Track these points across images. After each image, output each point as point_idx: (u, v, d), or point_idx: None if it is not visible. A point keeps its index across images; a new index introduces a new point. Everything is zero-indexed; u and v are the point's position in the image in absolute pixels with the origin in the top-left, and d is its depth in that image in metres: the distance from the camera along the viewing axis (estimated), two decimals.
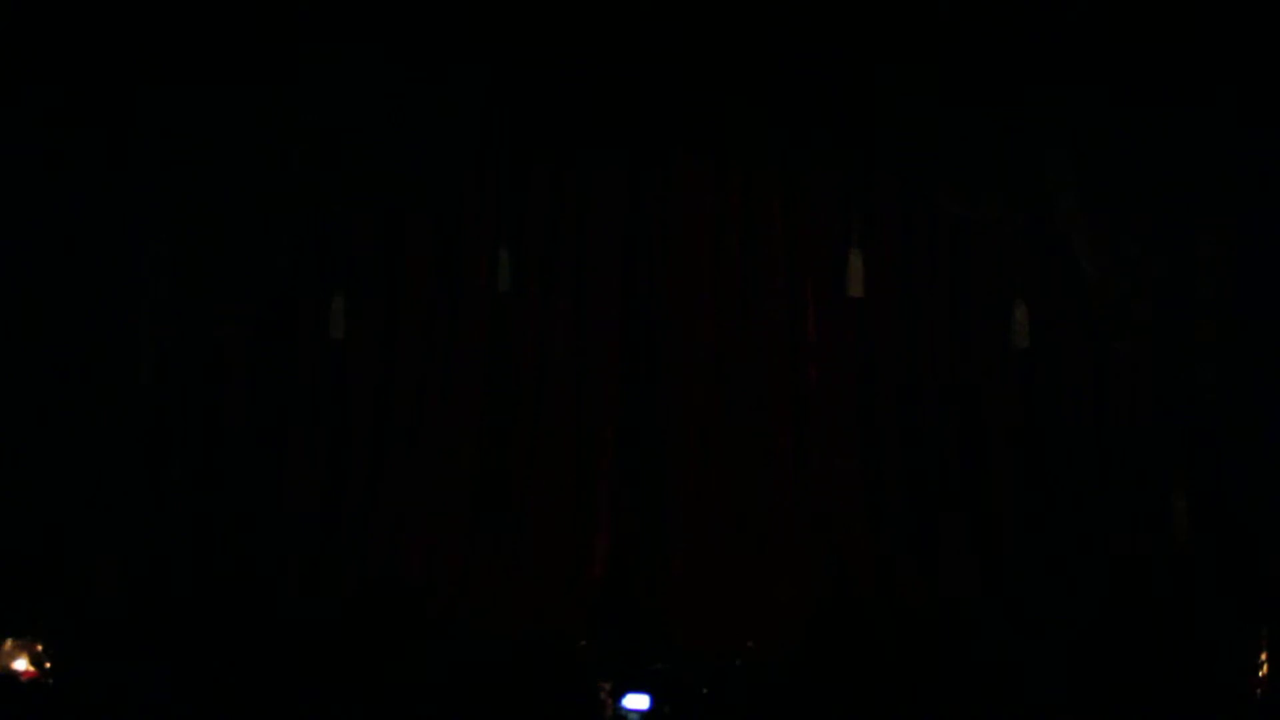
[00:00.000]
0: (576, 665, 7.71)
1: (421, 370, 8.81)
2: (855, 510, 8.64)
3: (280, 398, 8.78)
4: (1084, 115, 8.42)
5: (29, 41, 8.40)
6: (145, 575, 8.34)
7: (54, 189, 8.53)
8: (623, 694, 7.32)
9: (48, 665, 7.61)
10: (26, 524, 8.36)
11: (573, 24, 8.46)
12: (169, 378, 8.70)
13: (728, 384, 8.72)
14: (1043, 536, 8.47)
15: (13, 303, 8.56)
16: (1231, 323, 8.43)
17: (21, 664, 7.60)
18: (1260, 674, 7.55)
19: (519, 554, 8.57)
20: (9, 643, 7.63)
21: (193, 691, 7.28)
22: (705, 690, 7.47)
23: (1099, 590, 8.25)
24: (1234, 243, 8.44)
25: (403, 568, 8.52)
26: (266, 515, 8.63)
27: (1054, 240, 8.57)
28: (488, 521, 8.69)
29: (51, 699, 7.42)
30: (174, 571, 8.36)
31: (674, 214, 8.74)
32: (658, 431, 8.70)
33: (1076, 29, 8.25)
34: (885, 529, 8.63)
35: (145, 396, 8.65)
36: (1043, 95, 8.40)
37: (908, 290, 8.77)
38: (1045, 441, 8.62)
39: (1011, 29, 8.30)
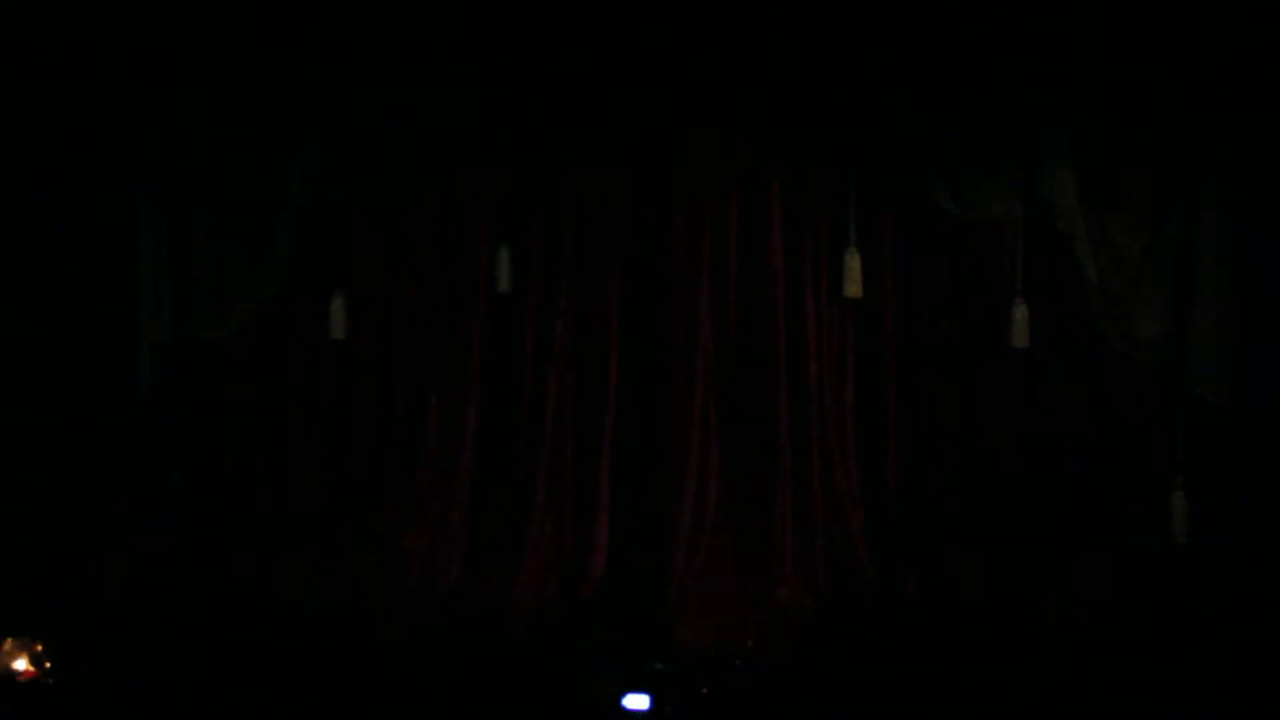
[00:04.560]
0: (577, 665, 7.70)
1: (421, 370, 8.81)
2: (855, 510, 8.65)
3: (280, 398, 8.81)
4: (1084, 114, 8.41)
5: (29, 39, 8.41)
6: (145, 575, 8.36)
7: (53, 189, 8.53)
8: (623, 694, 7.31)
9: (48, 665, 7.60)
10: (27, 524, 8.37)
11: (573, 23, 8.46)
12: (169, 378, 8.71)
13: (727, 384, 8.72)
14: (1043, 536, 8.47)
15: (12, 303, 8.56)
16: (1232, 322, 8.43)
17: (21, 664, 7.59)
18: (1260, 673, 7.54)
19: (518, 554, 8.57)
20: (9, 642, 7.62)
21: (192, 691, 7.29)
22: (705, 690, 7.47)
23: (1099, 590, 8.26)
24: (1235, 241, 8.44)
25: (402, 568, 8.52)
26: (267, 515, 8.66)
27: (1054, 240, 8.56)
28: (487, 521, 8.70)
29: (51, 699, 7.43)
30: (174, 571, 8.38)
31: (674, 214, 8.74)
32: (658, 430, 8.71)
33: (1077, 27, 8.25)
34: (885, 529, 8.64)
35: (145, 397, 8.67)
36: (1043, 95, 8.39)
37: (907, 290, 8.78)
38: (1045, 441, 8.63)
39: (1012, 28, 8.30)
